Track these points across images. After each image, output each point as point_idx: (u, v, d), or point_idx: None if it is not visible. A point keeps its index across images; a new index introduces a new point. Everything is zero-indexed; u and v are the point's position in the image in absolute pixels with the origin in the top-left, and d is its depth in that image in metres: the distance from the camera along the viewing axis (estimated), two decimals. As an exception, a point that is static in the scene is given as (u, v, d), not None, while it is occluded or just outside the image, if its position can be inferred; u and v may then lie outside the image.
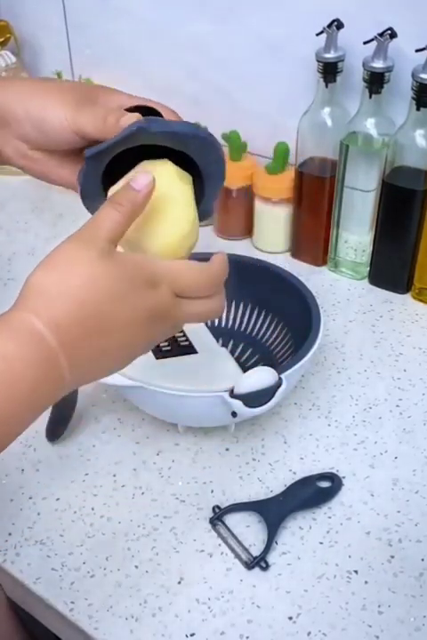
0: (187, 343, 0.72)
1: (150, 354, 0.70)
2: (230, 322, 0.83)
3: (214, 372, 0.68)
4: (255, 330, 0.82)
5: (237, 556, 0.61)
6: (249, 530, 0.63)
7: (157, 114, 0.56)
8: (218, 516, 0.63)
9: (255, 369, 0.65)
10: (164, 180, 0.51)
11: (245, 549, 0.61)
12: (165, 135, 0.52)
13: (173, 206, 0.51)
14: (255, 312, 0.82)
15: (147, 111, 0.56)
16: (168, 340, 0.72)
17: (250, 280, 0.81)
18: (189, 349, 0.72)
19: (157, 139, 0.52)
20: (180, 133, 0.52)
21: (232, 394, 0.63)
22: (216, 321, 0.83)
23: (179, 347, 0.72)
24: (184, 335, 0.73)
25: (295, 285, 0.77)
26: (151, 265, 0.47)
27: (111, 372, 0.47)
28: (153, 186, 0.48)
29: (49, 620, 0.60)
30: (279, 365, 0.71)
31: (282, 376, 0.65)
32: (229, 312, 0.83)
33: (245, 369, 0.68)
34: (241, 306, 0.83)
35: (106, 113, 0.52)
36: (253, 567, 0.59)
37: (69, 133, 0.53)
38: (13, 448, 0.71)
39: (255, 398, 0.64)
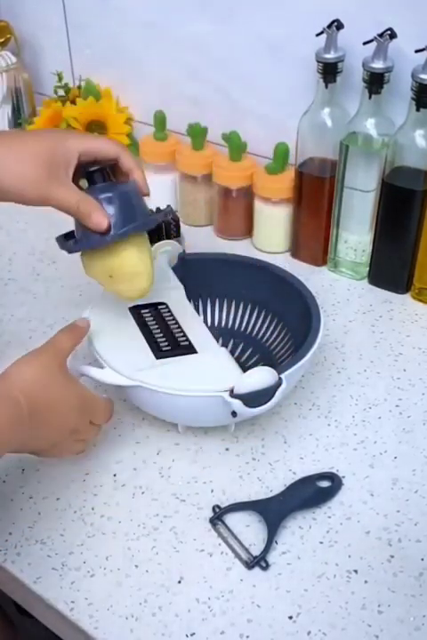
0: (187, 343, 0.72)
1: (150, 353, 0.70)
2: (230, 322, 0.83)
3: (214, 372, 0.68)
4: (255, 330, 0.82)
5: (237, 555, 0.61)
6: (249, 529, 0.63)
7: (113, 166, 0.68)
8: (218, 516, 0.63)
9: (255, 369, 0.65)
10: (132, 260, 0.67)
11: (245, 549, 0.61)
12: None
13: (140, 277, 0.69)
14: (255, 312, 0.82)
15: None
16: (168, 339, 0.72)
17: (250, 280, 0.81)
18: (189, 349, 0.72)
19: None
20: (143, 228, 0.68)
21: (232, 394, 0.63)
22: (216, 321, 0.83)
23: (179, 346, 0.72)
24: (184, 335, 0.73)
25: (295, 285, 0.77)
26: (86, 395, 0.64)
27: (40, 447, 0.62)
28: (88, 325, 0.69)
29: (49, 620, 0.60)
30: (279, 365, 0.71)
31: (282, 376, 0.65)
32: (229, 312, 0.84)
33: (245, 369, 0.68)
34: (241, 306, 0.83)
35: (78, 200, 0.63)
36: (253, 567, 0.60)
37: (41, 204, 0.65)
38: (14, 448, 0.71)
39: (255, 398, 0.64)
